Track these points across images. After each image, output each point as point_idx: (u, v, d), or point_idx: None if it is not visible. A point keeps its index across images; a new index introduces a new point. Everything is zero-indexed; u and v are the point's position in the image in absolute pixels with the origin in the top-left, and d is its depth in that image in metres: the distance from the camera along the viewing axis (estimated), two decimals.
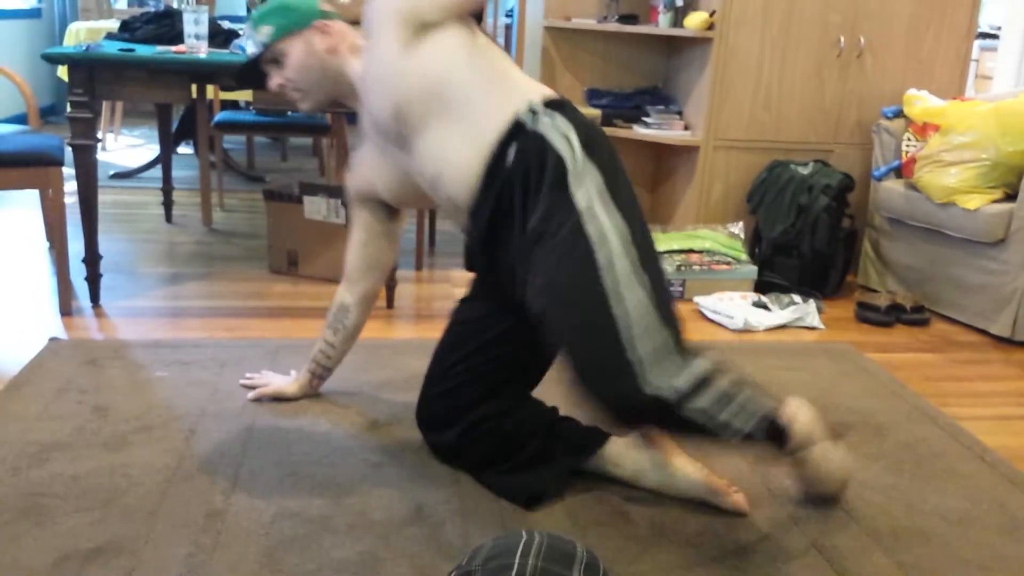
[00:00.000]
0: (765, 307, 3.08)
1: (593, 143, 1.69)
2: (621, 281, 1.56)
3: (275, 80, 1.97)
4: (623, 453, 1.89)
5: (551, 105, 1.72)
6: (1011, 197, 2.97)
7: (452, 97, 1.72)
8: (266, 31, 1.93)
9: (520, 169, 1.67)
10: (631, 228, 1.62)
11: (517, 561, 1.12)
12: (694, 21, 3.40)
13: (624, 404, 1.55)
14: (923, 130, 3.26)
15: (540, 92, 1.76)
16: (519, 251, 1.70)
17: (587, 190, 1.63)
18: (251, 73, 2.02)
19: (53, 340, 2.54)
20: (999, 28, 5.39)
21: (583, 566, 1.13)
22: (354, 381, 2.38)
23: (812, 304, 3.09)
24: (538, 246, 1.64)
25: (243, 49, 2.78)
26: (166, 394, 2.24)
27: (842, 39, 3.46)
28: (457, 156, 1.73)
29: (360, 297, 2.16)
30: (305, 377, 2.24)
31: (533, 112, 1.70)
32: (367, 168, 2.04)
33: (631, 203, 1.67)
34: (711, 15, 3.39)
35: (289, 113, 4.44)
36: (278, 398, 2.23)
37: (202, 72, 2.87)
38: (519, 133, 1.68)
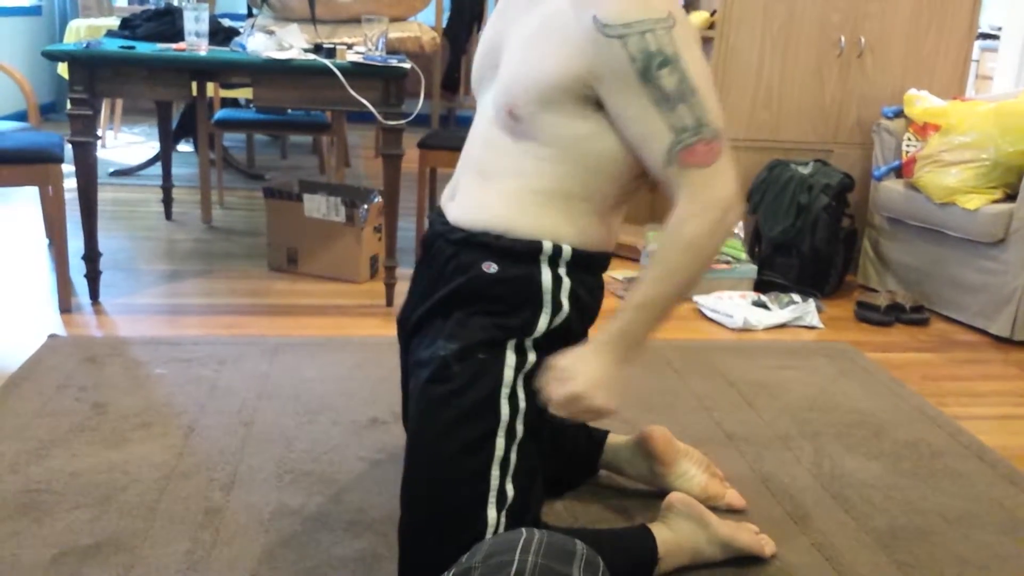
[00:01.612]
0: (764, 306, 3.08)
1: (577, 320, 1.49)
2: (492, 488, 1.43)
3: None
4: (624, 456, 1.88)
5: (583, 263, 1.49)
6: (1011, 197, 2.96)
7: (575, 167, 1.43)
8: None
9: (486, 284, 1.47)
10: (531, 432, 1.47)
11: (517, 558, 1.11)
12: (695, 20, 3.40)
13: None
14: (923, 130, 3.26)
15: (595, 238, 1.50)
16: (417, 330, 1.56)
17: (520, 364, 1.46)
18: None
19: (52, 337, 2.54)
20: (999, 28, 5.40)
21: (583, 563, 1.13)
22: (353, 378, 2.38)
23: (811, 303, 3.09)
24: (435, 380, 1.45)
25: (243, 47, 2.78)
26: (165, 391, 2.24)
27: (843, 39, 3.46)
28: (511, 194, 1.47)
29: None
30: None
31: (560, 259, 1.46)
32: None
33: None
34: (712, 14, 3.39)
35: (289, 111, 4.44)
36: None
37: (202, 69, 2.87)
38: (528, 256, 1.46)
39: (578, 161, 1.42)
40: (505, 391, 1.45)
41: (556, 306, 1.46)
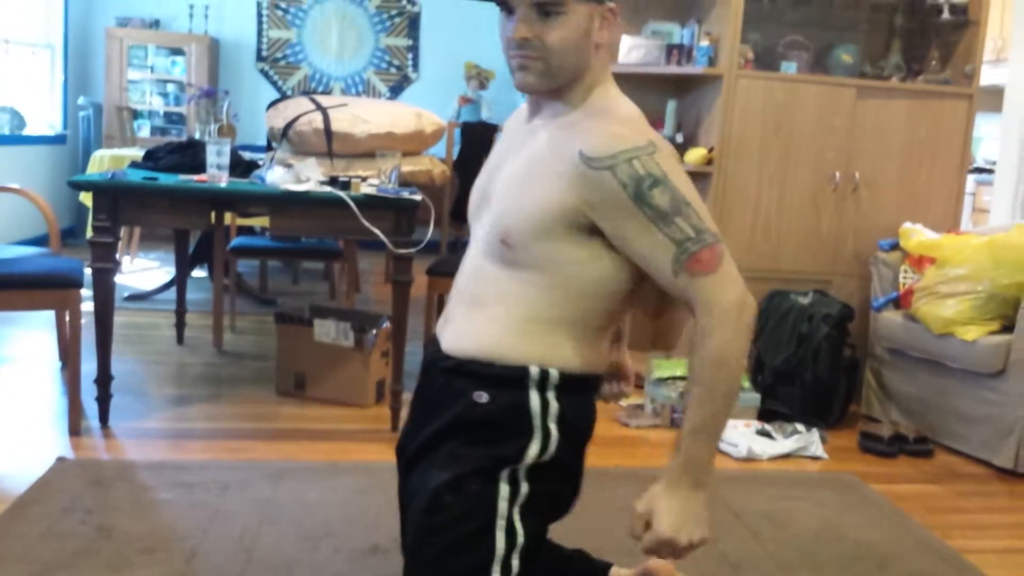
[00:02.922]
0: (769, 435, 3.09)
1: (568, 446, 1.51)
2: None
3: (526, 33, 1.45)
4: None
5: (571, 386, 1.52)
6: (1008, 328, 3.01)
7: (566, 292, 1.48)
8: None
9: (477, 413, 1.48)
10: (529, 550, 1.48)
11: None
12: (694, 156, 3.53)
13: None
14: (919, 262, 3.34)
15: (583, 361, 1.53)
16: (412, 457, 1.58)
17: (514, 496, 1.47)
18: None
19: (60, 459, 2.56)
20: (995, 163, 5.56)
21: None
22: (356, 504, 2.39)
23: (815, 433, 3.10)
24: (429, 511, 1.47)
25: (262, 179, 2.90)
26: (169, 515, 2.25)
27: (837, 174, 3.59)
28: (501, 325, 1.51)
29: None
30: None
31: (548, 383, 1.49)
32: None
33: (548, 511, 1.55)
34: (710, 151, 3.53)
35: (302, 239, 4.56)
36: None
37: (222, 200, 2.99)
38: (516, 382, 1.49)
39: (569, 285, 1.47)
40: (501, 523, 1.45)
41: (545, 433, 1.48)
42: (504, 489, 1.47)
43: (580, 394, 1.54)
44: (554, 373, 1.49)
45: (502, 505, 1.46)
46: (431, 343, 1.64)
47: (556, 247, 1.45)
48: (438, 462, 1.50)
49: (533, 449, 1.47)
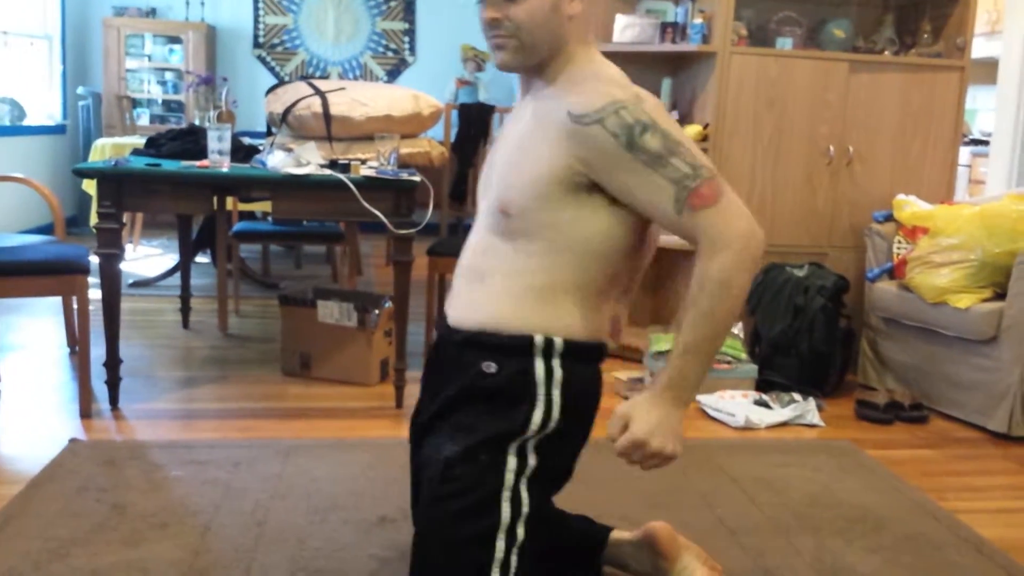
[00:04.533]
0: (766, 405, 3.14)
1: (572, 414, 1.57)
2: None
3: (495, 13, 1.52)
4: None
5: (576, 353, 1.56)
6: (1001, 296, 3.06)
7: (559, 268, 1.53)
8: None
9: (486, 383, 1.54)
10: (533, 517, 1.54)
11: None
12: (689, 133, 3.57)
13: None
14: (913, 233, 3.38)
15: (586, 328, 1.58)
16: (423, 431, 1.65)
17: (521, 468, 1.54)
18: None
19: (73, 441, 2.62)
20: (991, 135, 5.59)
21: None
22: (363, 478, 2.44)
23: (812, 402, 3.16)
24: (440, 480, 1.53)
25: (263, 163, 2.94)
26: (181, 492, 2.31)
27: (831, 148, 3.63)
28: (506, 298, 1.56)
29: None
30: None
31: (553, 351, 1.54)
32: None
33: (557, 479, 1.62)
34: (704, 127, 3.57)
35: (304, 222, 4.60)
36: None
37: (224, 185, 3.03)
38: (521, 351, 1.54)
39: (571, 248, 1.52)
40: (507, 493, 1.51)
41: (548, 400, 1.53)
42: (512, 461, 1.52)
43: (585, 362, 1.58)
44: (558, 341, 1.53)
45: (509, 476, 1.51)
46: (441, 320, 1.70)
47: (555, 210, 1.50)
48: (448, 432, 1.56)
49: (537, 416, 1.52)
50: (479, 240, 1.63)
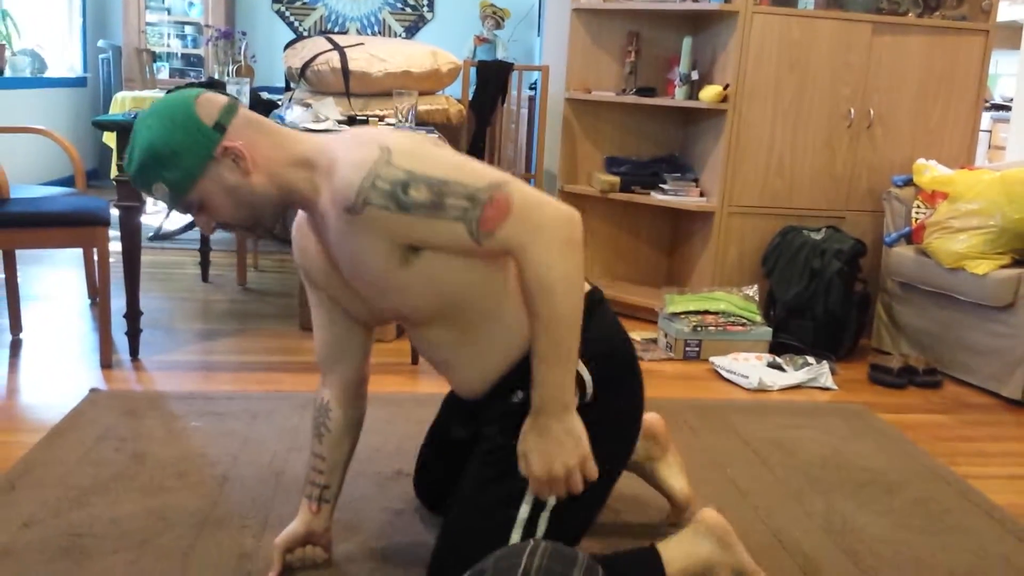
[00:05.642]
0: (780, 368, 3.15)
1: (608, 381, 1.61)
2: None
3: (209, 226, 1.56)
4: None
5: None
6: (1019, 263, 3.05)
7: (474, 313, 1.57)
8: (162, 191, 1.49)
9: (524, 409, 1.54)
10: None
11: (524, 560, 1.27)
12: (709, 94, 3.54)
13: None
14: (932, 198, 3.36)
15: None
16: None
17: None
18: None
19: (94, 391, 2.66)
20: (1012, 100, 5.51)
21: (584, 569, 1.27)
22: (380, 432, 2.48)
23: (826, 365, 3.16)
24: (484, 463, 1.63)
25: (281, 118, 2.95)
26: (200, 443, 2.35)
27: (852, 111, 3.59)
28: (476, 360, 1.63)
29: (339, 390, 1.79)
30: (303, 505, 1.79)
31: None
32: (316, 275, 1.71)
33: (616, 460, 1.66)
34: (725, 88, 3.54)
35: None
36: (308, 541, 1.80)
37: None
38: (527, 370, 1.54)
39: (465, 287, 1.52)
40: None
41: (580, 384, 1.56)
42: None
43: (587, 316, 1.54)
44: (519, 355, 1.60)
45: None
46: (452, 396, 1.89)
47: (426, 281, 1.50)
48: (493, 429, 1.64)
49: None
50: (419, 341, 1.67)
